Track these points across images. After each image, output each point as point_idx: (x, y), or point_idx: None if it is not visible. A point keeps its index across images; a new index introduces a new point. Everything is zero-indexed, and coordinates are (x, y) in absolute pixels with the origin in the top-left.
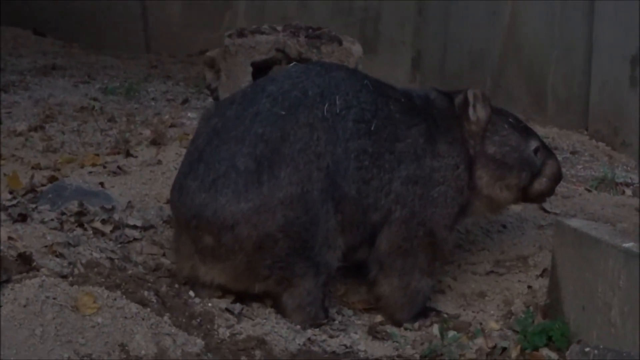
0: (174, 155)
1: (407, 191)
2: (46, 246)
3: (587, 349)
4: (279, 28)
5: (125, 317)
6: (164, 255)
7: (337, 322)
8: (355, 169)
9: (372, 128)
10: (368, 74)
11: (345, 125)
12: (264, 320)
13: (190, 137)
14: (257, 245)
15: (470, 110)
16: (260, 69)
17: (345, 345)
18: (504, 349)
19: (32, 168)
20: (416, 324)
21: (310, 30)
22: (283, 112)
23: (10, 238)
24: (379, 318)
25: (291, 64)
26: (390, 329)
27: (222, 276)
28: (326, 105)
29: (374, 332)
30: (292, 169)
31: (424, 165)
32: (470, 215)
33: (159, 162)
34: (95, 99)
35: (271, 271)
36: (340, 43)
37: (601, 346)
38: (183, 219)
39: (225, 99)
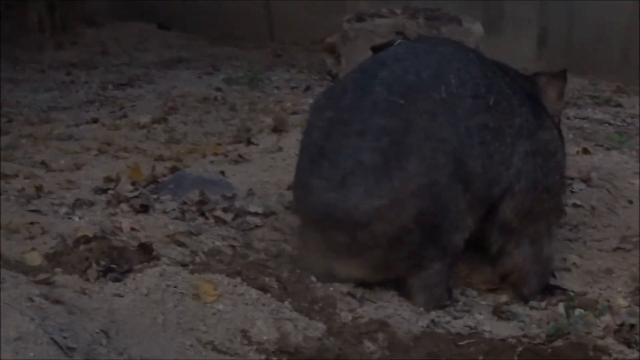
0: (294, 142)
1: (528, 163)
2: (168, 236)
3: None
4: (398, 11)
5: (246, 304)
6: (285, 241)
7: (461, 303)
8: (478, 145)
9: (491, 103)
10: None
11: (464, 103)
12: (387, 304)
13: None
14: (393, 240)
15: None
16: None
17: (469, 326)
18: (632, 326)
19: (155, 159)
20: (543, 303)
21: (429, 12)
22: (402, 101)
23: (132, 229)
24: (503, 298)
25: (396, 42)
26: (515, 308)
27: (359, 271)
28: (442, 87)
29: (498, 312)
30: (418, 159)
31: (539, 139)
32: None
33: (280, 149)
34: (218, 90)
35: (405, 261)
36: (460, 23)
37: None
38: (312, 218)
39: (334, 88)
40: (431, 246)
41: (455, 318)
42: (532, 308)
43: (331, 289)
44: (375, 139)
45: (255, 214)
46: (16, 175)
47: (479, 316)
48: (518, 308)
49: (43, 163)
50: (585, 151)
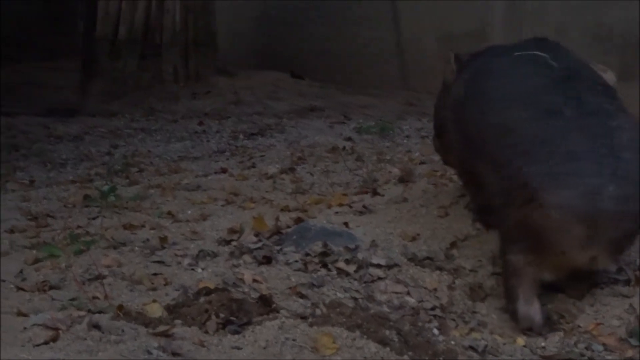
0: (420, 193)
1: None
2: (290, 287)
3: None
4: None
5: (365, 357)
6: (408, 293)
7: (586, 358)
8: None
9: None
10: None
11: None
12: (509, 357)
13: (439, 174)
14: None
15: None
16: None
17: None
18: None
19: (281, 210)
20: None
21: None
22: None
23: (254, 280)
24: (630, 352)
25: (514, 58)
26: None
27: (609, 260)
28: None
29: None
30: None
31: None
32: None
33: (405, 200)
34: (348, 139)
35: None
36: None
37: None
38: (582, 213)
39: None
40: None
41: None
42: None
43: (452, 342)
44: (616, 137)
45: (378, 265)
46: (142, 226)
47: None
48: None
49: (170, 213)
50: None
